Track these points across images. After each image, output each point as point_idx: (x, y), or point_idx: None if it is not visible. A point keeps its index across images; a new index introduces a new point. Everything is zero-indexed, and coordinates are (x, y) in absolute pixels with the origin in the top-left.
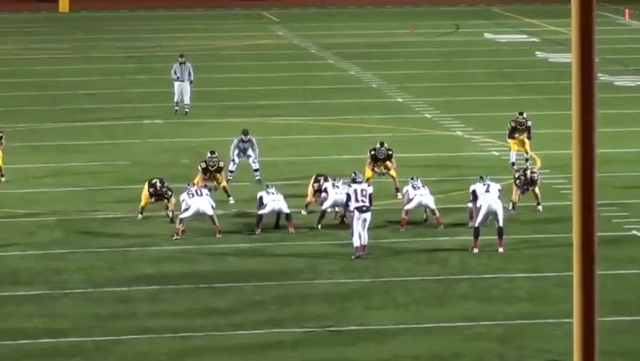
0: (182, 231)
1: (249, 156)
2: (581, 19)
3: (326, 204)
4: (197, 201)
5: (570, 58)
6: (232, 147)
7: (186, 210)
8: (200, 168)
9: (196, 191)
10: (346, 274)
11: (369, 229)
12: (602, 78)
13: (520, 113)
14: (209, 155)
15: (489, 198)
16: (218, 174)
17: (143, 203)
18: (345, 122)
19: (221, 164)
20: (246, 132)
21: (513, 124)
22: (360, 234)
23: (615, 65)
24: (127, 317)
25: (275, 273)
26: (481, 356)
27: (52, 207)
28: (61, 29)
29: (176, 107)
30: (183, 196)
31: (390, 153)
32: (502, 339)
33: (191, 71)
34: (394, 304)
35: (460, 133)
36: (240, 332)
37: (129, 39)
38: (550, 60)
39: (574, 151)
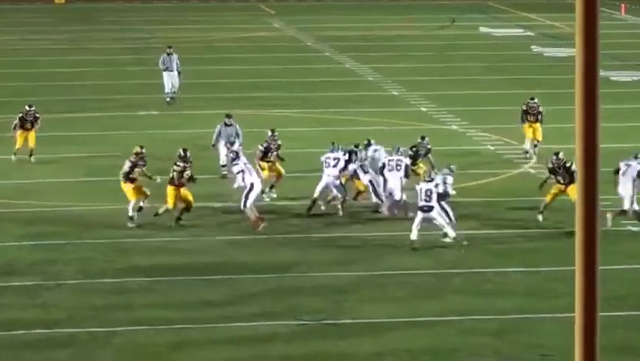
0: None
1: (232, 143)
2: (585, 12)
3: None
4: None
5: (565, 52)
6: (215, 132)
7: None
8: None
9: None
10: (341, 267)
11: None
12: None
13: (532, 98)
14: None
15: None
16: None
17: (170, 206)
18: (341, 115)
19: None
20: (229, 115)
21: (525, 107)
22: (417, 229)
23: (611, 60)
24: (122, 309)
25: (270, 266)
26: (476, 350)
27: (47, 198)
28: (56, 20)
29: (167, 98)
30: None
31: (429, 148)
32: (497, 334)
33: (178, 62)
34: (389, 297)
35: (455, 127)
36: (234, 324)
37: (125, 30)
38: (545, 54)
39: (578, 149)
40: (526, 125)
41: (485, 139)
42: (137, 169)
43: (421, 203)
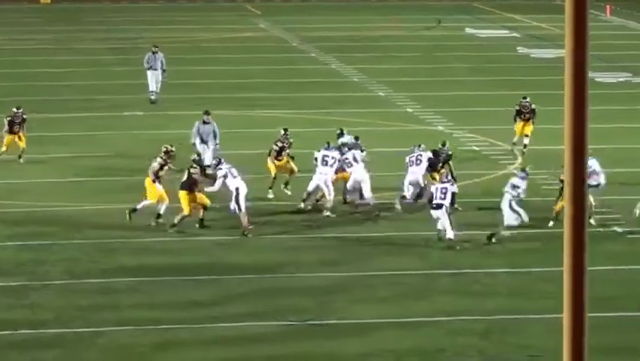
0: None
1: (206, 142)
2: (575, 14)
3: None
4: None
5: (552, 54)
6: (194, 130)
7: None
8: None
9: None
10: (328, 267)
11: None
12: None
13: (524, 98)
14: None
15: None
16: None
17: (187, 212)
18: (327, 116)
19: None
20: (207, 113)
21: (517, 107)
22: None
23: (597, 62)
24: (108, 309)
25: (257, 266)
26: (463, 350)
27: (34, 198)
28: (43, 20)
29: (151, 95)
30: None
31: (450, 154)
32: (485, 334)
33: (163, 60)
34: (376, 298)
35: (441, 128)
36: (221, 324)
37: (111, 31)
38: (531, 56)
39: (567, 149)
40: (519, 122)
41: (471, 140)
42: (165, 167)
43: (436, 201)
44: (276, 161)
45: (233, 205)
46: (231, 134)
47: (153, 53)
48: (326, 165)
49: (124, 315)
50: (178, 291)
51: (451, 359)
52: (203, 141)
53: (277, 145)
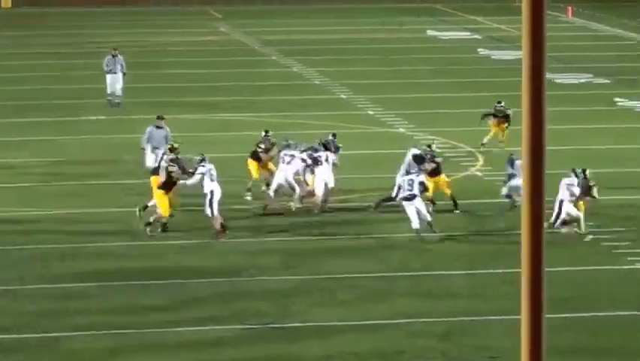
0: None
1: (157, 149)
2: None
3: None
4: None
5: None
6: (145, 136)
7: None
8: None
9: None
10: (288, 271)
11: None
12: None
13: (499, 102)
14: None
15: None
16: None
17: (165, 214)
18: (289, 119)
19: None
20: (161, 117)
21: (492, 111)
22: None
23: (557, 63)
24: (63, 315)
25: (216, 270)
26: (423, 352)
27: None
28: (2, 25)
29: (110, 99)
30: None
31: (435, 155)
32: (444, 336)
33: (123, 63)
34: (337, 301)
35: (402, 130)
36: (179, 328)
37: (72, 35)
38: (492, 57)
39: (524, 150)
40: (494, 121)
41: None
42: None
43: (406, 194)
44: (254, 161)
45: (208, 209)
46: (193, 138)
47: (113, 56)
48: (284, 162)
49: (81, 321)
50: (135, 296)
51: None
52: (155, 146)
53: (260, 147)
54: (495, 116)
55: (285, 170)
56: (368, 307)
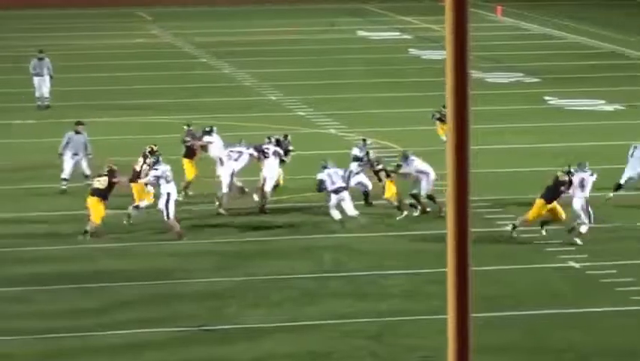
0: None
1: (76, 155)
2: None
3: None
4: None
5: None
6: (64, 142)
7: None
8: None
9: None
10: (220, 273)
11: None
12: (474, 75)
13: (444, 106)
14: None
15: None
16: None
17: (98, 221)
18: (221, 121)
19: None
20: (80, 123)
21: (438, 115)
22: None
23: (487, 62)
24: None
25: (148, 273)
26: (355, 353)
27: None
28: None
29: (39, 102)
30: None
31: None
32: (376, 336)
33: (50, 66)
34: (268, 302)
35: (333, 131)
36: (110, 332)
37: (1, 38)
38: (422, 57)
39: (449, 148)
40: (441, 126)
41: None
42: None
43: (337, 185)
44: (188, 161)
45: (164, 211)
46: (124, 141)
47: (39, 59)
48: (230, 159)
49: (10, 325)
50: (66, 300)
51: None
52: (74, 152)
53: (187, 140)
54: (441, 120)
55: (232, 166)
56: (300, 308)
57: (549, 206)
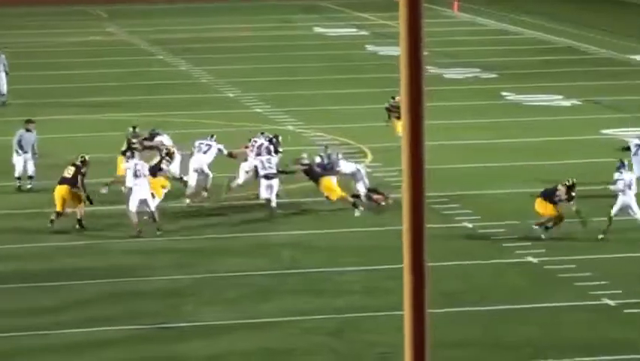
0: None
1: (26, 153)
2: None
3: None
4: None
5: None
6: (16, 139)
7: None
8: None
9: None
10: (178, 270)
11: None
12: (431, 71)
13: (393, 97)
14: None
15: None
16: None
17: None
18: (178, 118)
19: None
20: (30, 121)
21: (387, 106)
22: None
23: (445, 58)
24: None
25: (107, 270)
26: (314, 349)
27: None
28: None
29: None
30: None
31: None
32: (335, 333)
33: (6, 62)
34: (225, 299)
35: (290, 127)
36: (69, 330)
37: None
38: (379, 53)
39: (403, 144)
40: (395, 120)
41: (321, 139)
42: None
43: (267, 171)
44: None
45: (129, 204)
46: (79, 139)
47: None
48: (200, 151)
49: None
50: (23, 298)
51: (302, 358)
52: (24, 150)
53: (133, 142)
54: (391, 111)
55: (201, 158)
56: (258, 305)
57: (550, 205)
